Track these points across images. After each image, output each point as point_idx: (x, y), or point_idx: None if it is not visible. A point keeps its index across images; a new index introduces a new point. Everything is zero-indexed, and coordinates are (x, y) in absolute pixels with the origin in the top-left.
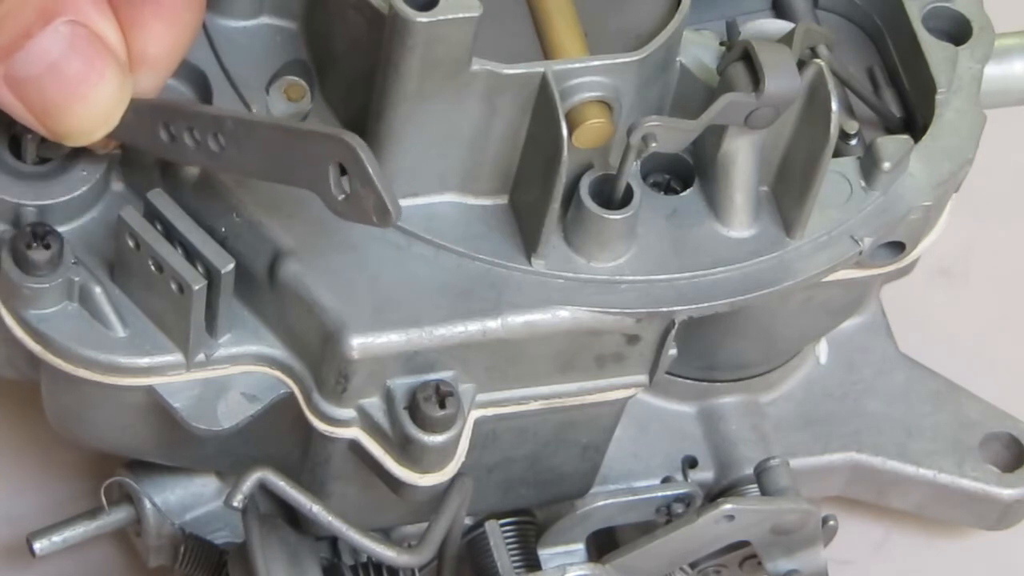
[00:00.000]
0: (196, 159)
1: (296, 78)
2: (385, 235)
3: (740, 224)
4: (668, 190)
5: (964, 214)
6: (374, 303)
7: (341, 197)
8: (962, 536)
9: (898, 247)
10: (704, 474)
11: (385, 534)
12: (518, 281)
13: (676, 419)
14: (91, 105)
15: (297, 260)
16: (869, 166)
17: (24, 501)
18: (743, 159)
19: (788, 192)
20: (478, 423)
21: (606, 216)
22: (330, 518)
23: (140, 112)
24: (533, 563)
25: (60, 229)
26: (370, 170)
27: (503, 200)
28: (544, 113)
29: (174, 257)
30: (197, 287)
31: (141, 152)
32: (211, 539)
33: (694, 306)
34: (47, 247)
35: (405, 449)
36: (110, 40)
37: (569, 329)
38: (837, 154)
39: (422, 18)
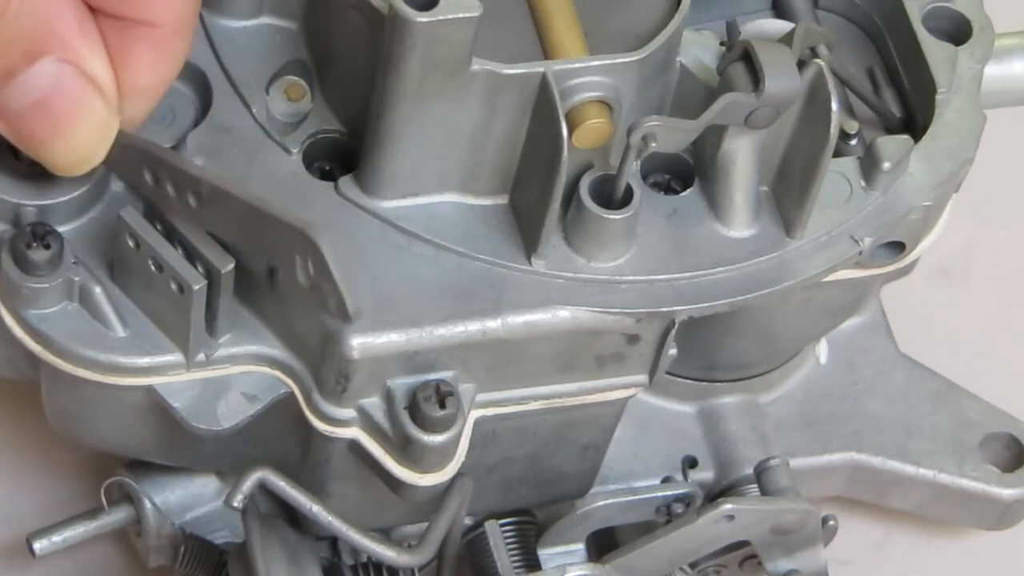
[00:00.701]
0: (175, 209)
1: (296, 78)
2: (385, 235)
3: (740, 224)
4: (668, 190)
5: (964, 214)
6: (374, 303)
7: (307, 284)
8: (962, 536)
9: (898, 247)
10: (704, 474)
11: (385, 534)
12: (518, 281)
13: (676, 419)
14: (77, 141)
15: None
16: (869, 166)
17: (24, 501)
18: (743, 159)
19: (788, 192)
20: (478, 423)
21: (606, 216)
22: (330, 518)
23: (127, 151)
24: (533, 563)
25: (60, 229)
26: (332, 270)
27: (503, 200)
28: (544, 113)
29: (174, 257)
30: (197, 287)
31: None
32: (211, 539)
33: (694, 306)
34: (47, 247)
35: (405, 449)
36: (98, 76)
37: (569, 329)
38: (837, 154)
39: (422, 18)
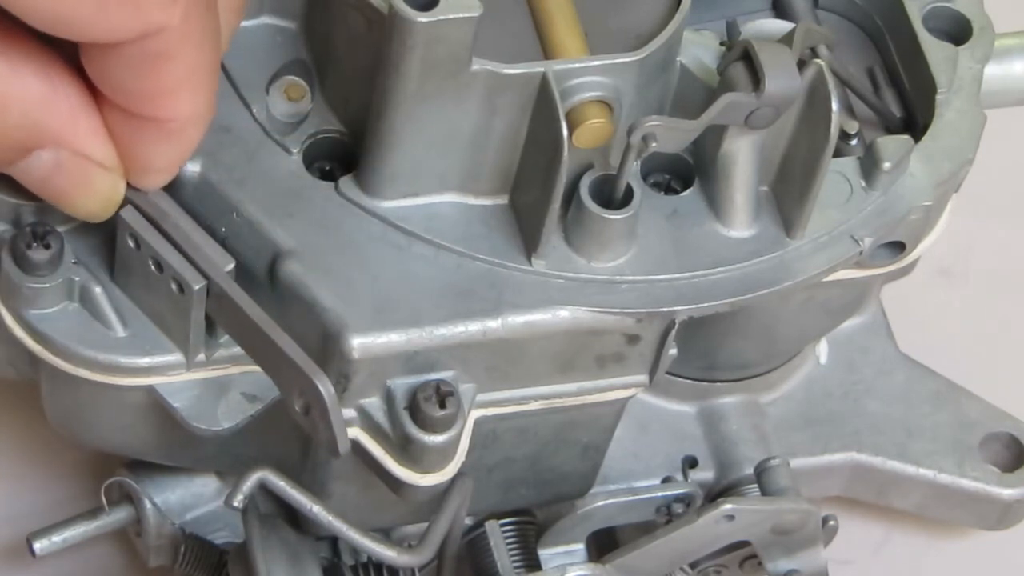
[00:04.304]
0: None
1: (296, 78)
2: (385, 235)
3: (740, 224)
4: (668, 190)
5: (964, 214)
6: (374, 303)
7: (299, 410)
8: (962, 536)
9: (898, 247)
10: (704, 474)
11: (385, 534)
12: (518, 281)
13: (676, 419)
14: (85, 207)
15: (297, 260)
16: (869, 166)
17: (24, 501)
18: (743, 159)
19: (788, 192)
20: (478, 423)
21: (606, 216)
22: (330, 518)
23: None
24: (533, 563)
25: (60, 229)
26: (331, 416)
27: (503, 200)
28: (544, 113)
29: (174, 257)
30: (197, 287)
31: None
32: (211, 539)
33: (694, 306)
34: (47, 247)
35: (405, 449)
36: (98, 157)
37: (569, 329)
38: (837, 154)
39: (422, 18)
